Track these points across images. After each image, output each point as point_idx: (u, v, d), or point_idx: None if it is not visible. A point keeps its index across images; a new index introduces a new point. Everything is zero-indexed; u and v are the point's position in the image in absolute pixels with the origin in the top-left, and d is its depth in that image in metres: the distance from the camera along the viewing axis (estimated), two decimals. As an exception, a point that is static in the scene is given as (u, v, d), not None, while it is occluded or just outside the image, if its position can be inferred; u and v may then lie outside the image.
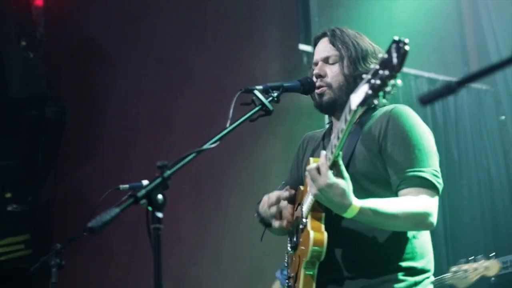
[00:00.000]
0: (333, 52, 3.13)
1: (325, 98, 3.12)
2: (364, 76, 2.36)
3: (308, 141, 3.45)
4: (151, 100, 6.74)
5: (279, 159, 6.56)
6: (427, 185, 2.83)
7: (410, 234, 2.94)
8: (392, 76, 2.25)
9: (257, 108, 2.90)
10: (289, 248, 3.16)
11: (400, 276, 2.88)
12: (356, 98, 2.42)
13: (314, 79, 3.15)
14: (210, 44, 6.78)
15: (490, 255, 5.32)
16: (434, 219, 2.82)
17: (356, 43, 3.11)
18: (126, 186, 3.51)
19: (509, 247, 6.74)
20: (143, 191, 2.31)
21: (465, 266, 5.08)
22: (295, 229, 3.09)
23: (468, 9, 7.92)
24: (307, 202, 2.93)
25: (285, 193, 3.11)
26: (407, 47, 2.19)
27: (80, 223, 3.73)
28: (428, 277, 2.97)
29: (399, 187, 2.85)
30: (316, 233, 2.84)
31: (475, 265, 5.05)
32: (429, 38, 7.48)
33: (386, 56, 2.24)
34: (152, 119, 6.72)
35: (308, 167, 2.66)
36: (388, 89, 2.28)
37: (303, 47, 6.75)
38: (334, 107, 3.12)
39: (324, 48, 3.19)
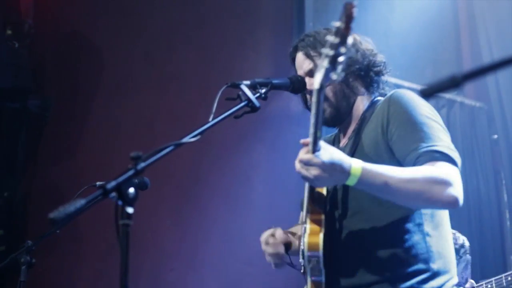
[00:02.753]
0: (311, 65, 3.04)
1: (326, 114, 2.98)
2: (321, 50, 2.32)
3: None
4: (136, 97, 6.63)
5: (264, 165, 6.46)
6: (444, 158, 2.62)
7: (424, 232, 2.72)
8: (343, 42, 2.23)
9: (242, 104, 2.76)
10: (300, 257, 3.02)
11: (414, 283, 2.68)
12: (317, 76, 2.34)
13: (308, 97, 3.08)
14: (199, 43, 6.68)
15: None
16: (457, 191, 2.59)
17: (326, 44, 3.01)
18: (103, 183, 3.38)
19: (495, 269, 6.66)
20: (113, 183, 2.14)
21: None
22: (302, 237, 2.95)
23: (465, 24, 7.87)
24: (305, 203, 2.79)
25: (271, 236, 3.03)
26: (354, 10, 2.20)
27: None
28: (447, 281, 2.75)
29: (414, 165, 2.63)
30: (311, 237, 2.67)
31: None
32: (424, 51, 7.43)
33: (338, 23, 2.24)
34: (136, 117, 6.60)
35: (297, 168, 2.47)
36: (341, 58, 2.25)
37: (295, 52, 6.64)
38: (339, 117, 3.01)
39: (301, 63, 3.11)
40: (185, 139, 2.45)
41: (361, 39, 3.05)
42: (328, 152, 2.42)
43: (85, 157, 6.72)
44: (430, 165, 2.59)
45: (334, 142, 3.17)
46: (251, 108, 2.77)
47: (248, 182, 6.33)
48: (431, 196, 2.54)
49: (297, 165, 2.45)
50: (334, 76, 2.28)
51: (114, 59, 6.86)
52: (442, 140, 2.69)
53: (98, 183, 3.49)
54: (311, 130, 2.43)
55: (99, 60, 6.98)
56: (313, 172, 2.39)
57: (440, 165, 2.59)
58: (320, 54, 2.89)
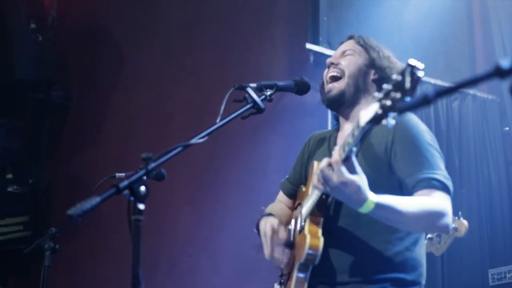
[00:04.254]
0: (352, 47, 3.22)
1: (332, 93, 3.17)
2: (375, 94, 2.29)
3: (314, 141, 3.48)
4: (155, 89, 6.76)
5: (279, 156, 6.56)
6: (441, 187, 2.86)
7: (404, 246, 2.96)
8: (402, 99, 2.20)
9: (248, 106, 2.92)
10: (284, 246, 3.18)
11: (388, 286, 2.91)
12: (365, 115, 2.38)
13: (326, 70, 3.21)
14: (216, 37, 6.79)
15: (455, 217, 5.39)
16: (449, 220, 2.84)
17: (378, 48, 3.22)
18: (122, 174, 3.55)
19: (505, 258, 6.73)
20: (125, 182, 2.33)
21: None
22: (292, 228, 3.12)
23: (479, 18, 7.89)
24: (307, 205, 2.96)
25: (273, 230, 3.14)
26: (421, 73, 2.15)
27: (77, 208, 3.76)
28: None
29: (413, 189, 2.87)
30: (313, 238, 2.87)
31: None
32: (437, 45, 7.46)
33: (399, 78, 2.18)
34: (155, 108, 6.73)
35: (321, 166, 2.61)
36: (394, 114, 2.24)
37: (310, 46, 6.74)
38: (342, 100, 3.17)
39: (345, 46, 3.27)
40: (193, 140, 2.62)
41: (396, 62, 3.19)
42: (354, 173, 2.60)
43: (106, 146, 6.87)
44: (428, 194, 2.84)
45: (330, 139, 3.34)
46: (257, 109, 2.93)
47: (262, 172, 6.46)
48: (428, 227, 2.93)
49: (323, 165, 2.61)
50: (383, 122, 2.26)
51: (134, 51, 6.99)
52: (441, 169, 2.93)
53: (117, 174, 3.69)
54: (348, 139, 2.56)
55: (119, 52, 7.12)
56: (335, 180, 2.56)
57: (437, 194, 2.84)
58: (368, 48, 3.17)
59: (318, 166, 2.80)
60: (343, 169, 2.56)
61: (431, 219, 2.81)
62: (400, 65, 3.16)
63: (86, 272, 6.62)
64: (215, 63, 6.69)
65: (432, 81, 7.20)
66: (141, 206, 2.33)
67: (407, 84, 2.16)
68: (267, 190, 6.33)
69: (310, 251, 2.85)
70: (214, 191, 6.49)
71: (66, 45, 7.23)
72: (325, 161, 2.60)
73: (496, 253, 7.00)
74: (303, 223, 2.94)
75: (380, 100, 2.26)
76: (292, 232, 3.13)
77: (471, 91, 7.47)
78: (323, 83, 3.27)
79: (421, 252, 3.05)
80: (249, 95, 2.94)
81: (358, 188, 2.58)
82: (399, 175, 2.93)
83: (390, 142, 2.97)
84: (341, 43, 3.33)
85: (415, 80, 2.15)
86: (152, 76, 6.82)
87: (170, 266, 6.32)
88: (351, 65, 3.16)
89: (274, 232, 3.12)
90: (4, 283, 7.25)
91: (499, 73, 1.66)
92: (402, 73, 2.17)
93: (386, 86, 2.24)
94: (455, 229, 5.35)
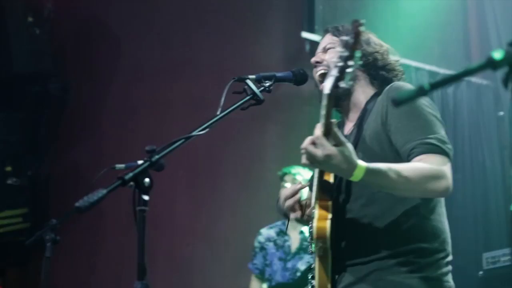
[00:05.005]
0: (331, 41, 3.18)
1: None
2: (332, 60, 2.51)
3: None
4: (153, 81, 6.79)
5: (276, 144, 6.61)
6: (437, 150, 2.78)
7: (421, 215, 2.89)
8: (351, 56, 2.44)
9: (247, 98, 2.96)
10: (308, 236, 3.18)
11: (411, 258, 2.86)
12: (327, 83, 2.54)
13: (314, 70, 3.20)
14: (213, 28, 6.82)
15: None
16: (448, 183, 2.75)
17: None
18: (122, 165, 3.56)
19: (499, 242, 6.78)
20: (130, 174, 2.40)
21: None
22: (312, 221, 3.15)
23: (473, 4, 7.91)
24: (314, 190, 2.96)
25: (297, 186, 3.15)
26: (361, 28, 2.39)
27: (78, 199, 3.80)
28: (442, 258, 2.93)
29: (409, 157, 2.81)
30: (319, 222, 2.85)
31: None
32: (432, 31, 7.47)
33: (346, 38, 2.44)
34: (153, 100, 6.77)
35: (304, 145, 2.62)
36: (349, 70, 2.47)
37: (306, 34, 6.76)
38: (337, 96, 3.15)
39: (324, 41, 3.24)
40: (195, 132, 2.67)
41: (375, 38, 3.20)
42: (339, 144, 2.61)
43: (104, 138, 6.91)
44: (424, 159, 2.78)
45: (339, 125, 3.34)
46: (256, 101, 2.97)
47: (260, 161, 6.51)
48: (426, 190, 2.76)
49: (306, 143, 2.61)
50: (342, 85, 2.49)
51: (132, 43, 7.01)
52: (436, 132, 2.84)
53: (117, 165, 3.72)
54: (321, 113, 2.64)
55: (117, 44, 7.14)
56: (319, 154, 2.57)
57: (434, 158, 2.78)
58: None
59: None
60: (325, 143, 2.56)
61: (427, 182, 2.73)
62: (382, 43, 3.18)
63: (86, 263, 6.67)
64: (212, 54, 6.73)
65: (427, 67, 7.25)
66: (146, 197, 2.40)
67: (350, 40, 2.42)
68: (264, 178, 6.41)
69: (318, 236, 2.85)
70: (212, 179, 6.53)
71: (64, 38, 7.25)
72: (307, 139, 2.61)
73: (490, 237, 7.05)
74: (314, 211, 2.96)
75: (335, 64, 2.48)
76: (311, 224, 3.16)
77: (465, 77, 7.47)
78: (315, 83, 3.28)
79: (441, 219, 2.96)
80: (249, 86, 2.98)
81: (344, 158, 2.57)
82: (397, 148, 2.88)
83: (385, 115, 2.94)
84: (320, 40, 3.30)
85: (355, 34, 2.41)
86: (150, 67, 6.85)
87: (169, 255, 6.37)
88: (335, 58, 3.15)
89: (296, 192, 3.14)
90: (3, 275, 7.30)
91: (492, 64, 1.72)
92: (348, 32, 2.43)
93: (338, 49, 2.50)
94: None
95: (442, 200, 3.03)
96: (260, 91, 2.99)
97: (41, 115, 7.16)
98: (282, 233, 5.46)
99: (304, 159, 2.65)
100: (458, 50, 7.77)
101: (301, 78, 3.20)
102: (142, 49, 6.90)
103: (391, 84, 3.05)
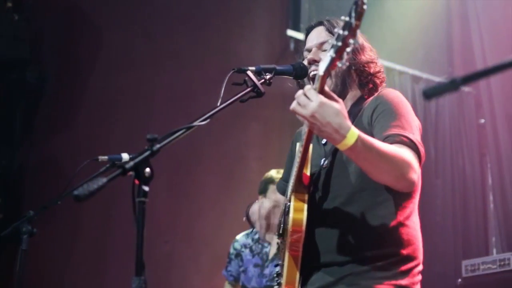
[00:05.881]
0: (329, 38, 3.08)
1: None
2: (329, 41, 2.46)
3: (300, 136, 3.40)
4: (134, 73, 6.67)
5: (258, 143, 6.56)
6: (410, 145, 2.74)
7: (397, 220, 2.87)
8: (351, 35, 2.35)
9: (248, 89, 2.88)
10: (278, 236, 3.13)
11: (386, 264, 2.83)
12: (323, 64, 2.47)
13: (308, 65, 3.13)
14: (197, 22, 6.74)
15: None
16: (416, 176, 2.71)
17: None
18: (105, 157, 3.50)
19: (477, 250, 6.80)
20: (131, 163, 2.28)
21: None
22: (283, 216, 3.07)
23: (457, 9, 7.95)
24: (291, 183, 2.90)
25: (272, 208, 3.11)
26: (364, 6, 2.31)
27: (53, 191, 3.69)
28: (414, 266, 2.91)
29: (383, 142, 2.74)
30: (296, 214, 2.79)
31: None
32: (416, 35, 7.52)
33: (347, 18, 2.35)
34: (134, 92, 6.65)
35: (297, 94, 2.54)
36: (349, 49, 2.38)
37: (291, 32, 6.75)
38: None
39: (319, 35, 3.16)
40: (196, 123, 2.60)
41: (368, 44, 3.16)
42: (335, 102, 2.54)
43: (82, 129, 6.77)
44: (399, 146, 2.73)
45: None
46: (257, 93, 2.90)
47: (242, 159, 6.45)
48: (398, 173, 2.69)
49: (298, 95, 2.55)
50: (339, 64, 2.42)
51: (113, 33, 6.88)
52: (415, 134, 2.82)
53: (100, 157, 3.62)
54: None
55: (97, 33, 7.00)
56: (312, 103, 2.49)
57: (406, 150, 2.73)
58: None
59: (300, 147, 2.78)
60: (318, 94, 2.50)
61: (403, 166, 2.66)
62: (374, 50, 3.16)
63: (62, 256, 6.54)
64: (195, 48, 6.65)
65: (410, 71, 7.25)
66: (146, 188, 2.28)
67: (352, 20, 2.33)
68: (246, 178, 6.34)
69: (293, 228, 2.77)
70: (193, 177, 6.46)
71: (43, 25, 7.08)
72: (300, 91, 2.54)
73: (469, 245, 7.08)
74: (289, 203, 2.88)
75: (333, 45, 2.41)
76: (282, 219, 3.08)
77: (447, 82, 7.50)
78: (308, 78, 3.19)
79: (415, 227, 2.95)
80: (250, 78, 2.90)
81: (337, 111, 2.49)
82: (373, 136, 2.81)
83: (371, 114, 2.92)
84: (310, 28, 3.24)
85: (358, 13, 2.32)
86: (132, 59, 6.73)
87: (147, 252, 6.25)
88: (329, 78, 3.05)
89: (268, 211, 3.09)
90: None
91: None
92: (349, 13, 2.35)
93: (336, 30, 2.41)
94: None
95: (416, 209, 3.00)
96: (261, 84, 2.92)
97: (17, 104, 7.00)
98: (260, 240, 5.34)
99: (294, 105, 2.56)
100: (441, 55, 7.80)
101: (301, 72, 3.15)
102: (124, 40, 6.77)
103: (382, 90, 3.04)
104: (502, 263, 5.69)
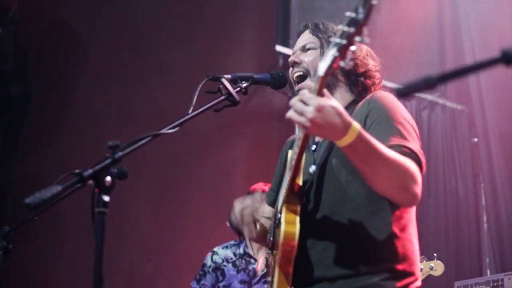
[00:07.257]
0: (311, 40, 3.01)
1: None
2: (331, 39, 2.24)
3: (290, 145, 3.26)
4: (120, 88, 6.62)
5: (245, 160, 6.48)
6: (412, 156, 2.57)
7: (393, 232, 2.69)
8: (358, 32, 2.15)
9: (222, 97, 2.75)
10: (266, 251, 2.99)
11: (379, 280, 2.66)
12: (323, 63, 2.28)
13: (291, 69, 3.02)
14: (184, 36, 6.69)
15: (434, 255, 5.31)
16: (419, 190, 2.54)
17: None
18: (80, 171, 3.38)
19: (470, 271, 6.70)
20: (89, 171, 2.15)
21: None
22: (272, 229, 2.92)
23: (449, 27, 7.91)
24: (282, 193, 2.75)
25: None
26: (375, 1, 2.10)
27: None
28: (411, 283, 2.73)
29: None
30: (288, 227, 2.61)
31: (421, 265, 5.01)
32: (407, 52, 7.47)
33: (353, 15, 2.14)
34: (119, 106, 6.60)
35: (291, 101, 2.34)
36: (353, 48, 2.17)
37: (280, 48, 6.68)
38: None
39: (303, 39, 3.07)
40: (164, 130, 2.46)
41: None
42: (332, 99, 2.37)
43: (67, 145, 6.70)
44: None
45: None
46: (231, 102, 2.77)
47: (228, 176, 6.35)
48: (401, 183, 2.52)
49: (294, 102, 2.34)
50: (342, 64, 2.21)
51: (99, 48, 6.84)
52: (414, 142, 2.66)
53: (77, 171, 3.50)
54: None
55: (83, 48, 6.96)
56: (310, 107, 2.30)
57: (410, 161, 2.55)
58: (325, 39, 2.94)
59: (292, 154, 2.63)
60: (316, 96, 2.31)
61: (407, 177, 2.49)
62: (361, 47, 3.01)
63: (41, 273, 6.43)
64: (181, 62, 6.59)
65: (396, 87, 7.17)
66: (106, 198, 2.14)
67: (360, 15, 2.13)
68: (232, 194, 6.18)
69: (287, 240, 2.60)
70: (177, 193, 6.36)
71: (28, 40, 7.02)
72: (295, 97, 2.34)
73: (462, 266, 6.98)
74: (279, 215, 2.72)
75: (335, 43, 2.20)
76: (272, 232, 2.93)
77: (440, 100, 7.47)
78: (291, 83, 3.09)
79: (412, 239, 2.76)
80: (224, 86, 2.78)
81: (337, 111, 2.31)
82: None
83: (365, 117, 2.74)
84: (299, 34, 3.14)
85: (368, 8, 2.12)
86: (117, 74, 6.67)
87: (130, 271, 6.18)
88: (316, 62, 2.89)
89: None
90: None
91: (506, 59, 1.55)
92: (356, 9, 2.14)
93: (341, 27, 2.19)
94: (431, 267, 5.25)
95: (414, 220, 2.83)
96: (236, 92, 2.79)
97: (1, 119, 6.90)
98: (247, 255, 5.17)
99: (291, 112, 2.33)
100: (434, 72, 7.67)
101: (279, 81, 3.04)
102: (109, 53, 6.71)
103: (373, 93, 2.88)
104: (495, 284, 5.58)
